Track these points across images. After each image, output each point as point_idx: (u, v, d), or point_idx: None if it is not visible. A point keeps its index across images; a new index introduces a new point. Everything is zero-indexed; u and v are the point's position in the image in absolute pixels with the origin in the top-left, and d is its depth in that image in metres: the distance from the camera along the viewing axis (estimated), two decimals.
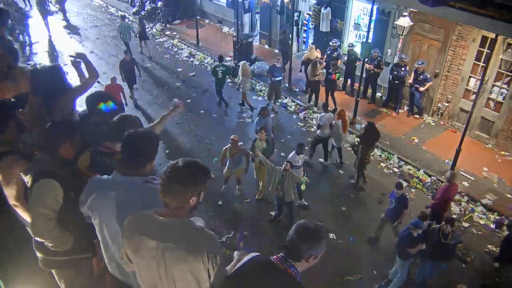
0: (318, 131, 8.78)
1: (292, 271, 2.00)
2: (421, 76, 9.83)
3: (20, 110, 3.52)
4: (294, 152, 7.46)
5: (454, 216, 7.67)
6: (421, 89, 9.99)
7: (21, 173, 2.78)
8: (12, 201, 2.95)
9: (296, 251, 2.00)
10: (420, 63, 9.73)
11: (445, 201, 6.87)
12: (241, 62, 11.11)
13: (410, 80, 10.17)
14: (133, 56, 12.05)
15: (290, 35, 11.88)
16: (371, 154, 8.35)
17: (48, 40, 14.70)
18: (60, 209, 2.63)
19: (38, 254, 2.90)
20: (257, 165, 7.86)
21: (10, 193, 2.92)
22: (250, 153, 7.53)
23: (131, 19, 17.32)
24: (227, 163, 7.66)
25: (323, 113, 8.79)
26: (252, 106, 11.04)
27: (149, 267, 2.01)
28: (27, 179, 2.68)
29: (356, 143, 8.55)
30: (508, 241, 6.17)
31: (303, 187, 7.01)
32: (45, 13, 14.71)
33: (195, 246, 1.93)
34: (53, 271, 3.05)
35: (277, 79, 10.63)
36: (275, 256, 2.07)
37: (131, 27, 13.74)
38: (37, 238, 2.72)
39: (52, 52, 14.06)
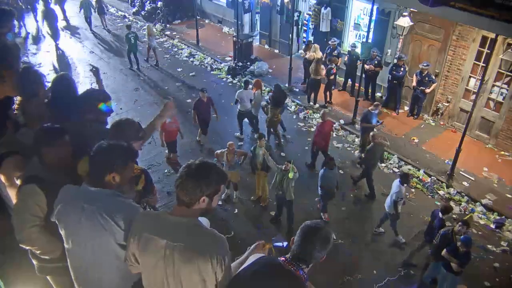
0: (239, 106, 9.49)
1: (301, 274, 1.99)
2: (427, 78, 9.74)
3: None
4: (397, 182, 6.75)
5: (454, 216, 7.68)
6: (427, 90, 9.88)
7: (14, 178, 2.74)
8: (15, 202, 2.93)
9: (306, 255, 1.99)
10: (425, 65, 9.64)
11: (321, 135, 8.41)
12: (147, 25, 13.23)
13: (414, 83, 10.04)
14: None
15: (290, 35, 11.87)
16: (279, 113, 9.32)
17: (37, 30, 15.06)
18: (46, 216, 2.55)
19: (34, 261, 2.84)
20: (259, 172, 7.69)
21: (13, 194, 2.89)
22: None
23: (131, 19, 17.34)
24: (223, 168, 7.50)
25: (241, 90, 9.49)
26: (157, 60, 13.24)
27: (156, 266, 2.01)
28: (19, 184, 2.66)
29: (266, 105, 9.52)
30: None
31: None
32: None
33: (205, 248, 1.94)
34: (48, 277, 2.98)
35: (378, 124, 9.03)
36: (283, 258, 2.05)
37: (92, 4, 15.29)
38: (22, 246, 2.62)
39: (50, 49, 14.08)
